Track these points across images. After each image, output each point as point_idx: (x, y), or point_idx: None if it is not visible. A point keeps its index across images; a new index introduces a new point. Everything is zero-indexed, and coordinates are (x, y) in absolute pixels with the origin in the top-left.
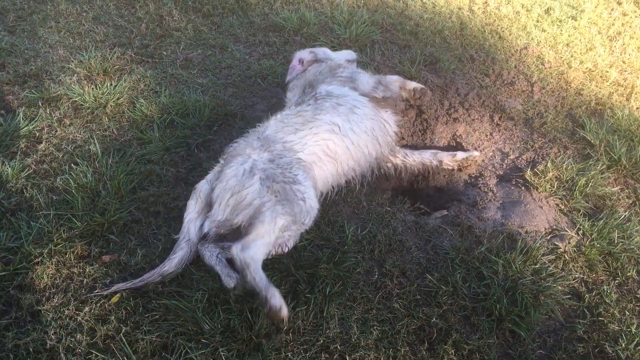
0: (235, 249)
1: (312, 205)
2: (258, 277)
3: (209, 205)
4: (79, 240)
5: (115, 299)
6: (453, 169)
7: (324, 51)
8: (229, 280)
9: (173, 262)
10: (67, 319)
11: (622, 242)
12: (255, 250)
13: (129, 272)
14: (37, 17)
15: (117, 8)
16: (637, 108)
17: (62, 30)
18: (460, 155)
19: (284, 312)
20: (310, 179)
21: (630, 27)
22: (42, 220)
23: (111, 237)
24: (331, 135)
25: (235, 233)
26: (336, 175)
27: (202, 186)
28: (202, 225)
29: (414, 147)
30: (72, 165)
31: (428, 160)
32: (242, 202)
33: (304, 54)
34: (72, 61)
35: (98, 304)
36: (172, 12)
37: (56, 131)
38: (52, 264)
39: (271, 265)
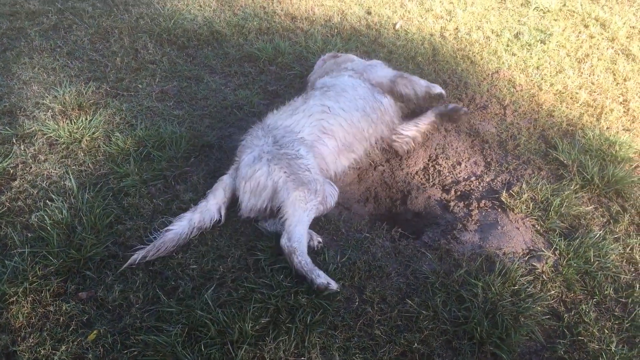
0: (283, 240)
1: (317, 175)
2: (304, 261)
3: (232, 198)
4: (54, 278)
5: (92, 336)
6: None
7: (347, 56)
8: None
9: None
10: (44, 359)
11: (598, 260)
12: (298, 235)
13: (106, 309)
14: (11, 53)
15: (92, 42)
16: (607, 128)
17: (36, 66)
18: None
19: (332, 287)
20: (312, 153)
21: (597, 49)
22: (17, 259)
23: (87, 274)
24: (323, 115)
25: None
26: (339, 151)
27: (226, 179)
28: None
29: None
30: (47, 201)
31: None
32: (258, 186)
33: (327, 55)
34: (47, 97)
35: (75, 343)
36: (147, 45)
37: (31, 167)
38: (27, 303)
39: (250, 296)
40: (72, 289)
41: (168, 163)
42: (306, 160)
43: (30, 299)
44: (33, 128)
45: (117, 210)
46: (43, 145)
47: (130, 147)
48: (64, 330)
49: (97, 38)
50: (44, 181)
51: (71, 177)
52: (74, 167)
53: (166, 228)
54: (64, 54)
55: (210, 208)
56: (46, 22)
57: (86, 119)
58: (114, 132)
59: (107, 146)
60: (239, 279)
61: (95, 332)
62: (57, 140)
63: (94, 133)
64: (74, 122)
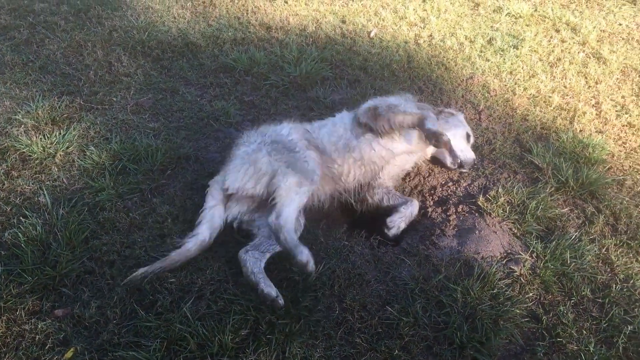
0: (271, 218)
1: (314, 167)
2: (289, 237)
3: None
4: (29, 296)
5: (69, 354)
6: None
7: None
8: (270, 290)
9: (190, 245)
10: None
11: (574, 261)
12: (286, 214)
13: (83, 326)
14: None
15: (65, 56)
16: (580, 131)
17: (8, 82)
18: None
19: (310, 267)
20: (309, 151)
21: (569, 53)
22: None
23: (63, 290)
24: (305, 132)
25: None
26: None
27: (218, 178)
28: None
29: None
30: (21, 218)
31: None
32: (259, 172)
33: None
34: (19, 112)
35: None
36: (120, 57)
37: (3, 184)
38: (2, 322)
39: (229, 308)
40: (48, 306)
41: (144, 176)
42: (304, 154)
43: (5, 318)
44: (5, 144)
45: (92, 225)
46: (16, 161)
47: (105, 161)
48: (40, 349)
49: (70, 52)
50: (17, 197)
51: (45, 192)
52: (48, 182)
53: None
54: (36, 69)
55: (216, 216)
56: (18, 37)
57: (60, 133)
58: (89, 146)
59: (81, 160)
60: (218, 291)
61: (72, 349)
62: (30, 155)
63: (68, 148)
64: (48, 137)
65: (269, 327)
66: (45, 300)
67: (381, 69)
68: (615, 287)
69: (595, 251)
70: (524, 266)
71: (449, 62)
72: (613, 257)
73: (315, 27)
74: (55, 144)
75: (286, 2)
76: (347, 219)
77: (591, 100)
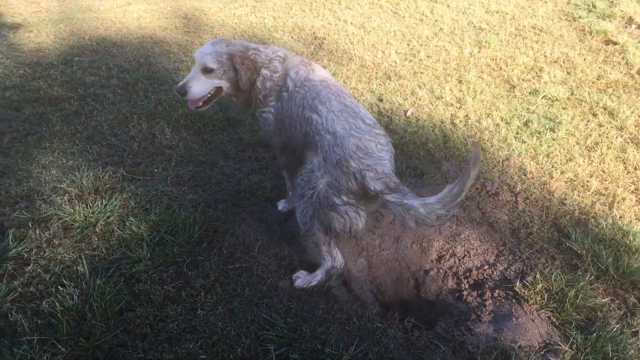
0: None
1: None
2: None
3: None
4: None
5: None
6: None
7: None
8: None
9: None
10: None
11: (616, 355)
12: None
13: None
14: (32, 138)
15: (111, 128)
16: (620, 217)
17: (56, 151)
18: None
19: None
20: None
21: (607, 137)
22: (26, 346)
23: None
24: None
25: None
26: None
27: None
28: None
29: None
30: (59, 287)
31: None
32: None
33: None
34: (65, 181)
35: None
36: (164, 130)
37: (45, 252)
38: None
39: None
40: None
41: (181, 248)
42: None
43: None
44: (49, 212)
45: (127, 296)
46: (58, 229)
47: (143, 232)
48: None
49: (116, 123)
50: (57, 266)
51: (84, 262)
52: (87, 251)
53: None
54: (83, 139)
55: None
56: (68, 108)
57: (102, 203)
58: (129, 216)
59: (121, 231)
60: None
61: None
62: (72, 224)
63: (108, 217)
64: (90, 207)
65: None
66: None
67: (417, 147)
68: None
69: (638, 345)
70: (563, 358)
71: (484, 143)
72: None
73: None
74: (97, 214)
75: None
76: (378, 300)
77: (631, 186)
